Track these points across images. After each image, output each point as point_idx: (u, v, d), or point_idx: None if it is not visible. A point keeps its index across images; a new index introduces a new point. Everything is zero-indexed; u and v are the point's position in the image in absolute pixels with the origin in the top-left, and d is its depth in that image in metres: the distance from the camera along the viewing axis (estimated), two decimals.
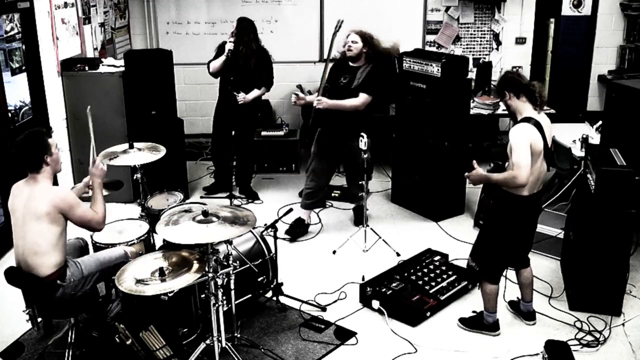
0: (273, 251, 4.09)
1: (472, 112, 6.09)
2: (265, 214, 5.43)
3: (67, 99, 5.78)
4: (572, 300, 4.17)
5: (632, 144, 4.42)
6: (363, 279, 4.32)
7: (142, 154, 4.18)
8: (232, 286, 3.53)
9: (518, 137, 3.48)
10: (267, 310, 4.17)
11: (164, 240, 3.81)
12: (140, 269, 3.25)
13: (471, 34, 7.47)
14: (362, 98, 4.96)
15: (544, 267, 4.61)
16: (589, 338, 3.84)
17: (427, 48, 7.40)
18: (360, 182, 4.97)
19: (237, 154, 6.03)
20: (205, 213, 3.32)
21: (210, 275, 3.30)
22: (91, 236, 3.95)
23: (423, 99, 5.39)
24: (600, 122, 5.47)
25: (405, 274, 4.37)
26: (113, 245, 3.81)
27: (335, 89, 5.08)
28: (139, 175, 4.24)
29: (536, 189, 3.62)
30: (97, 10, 6.56)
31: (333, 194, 6.06)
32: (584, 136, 5.22)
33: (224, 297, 3.39)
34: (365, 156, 4.73)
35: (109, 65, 5.94)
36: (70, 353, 3.54)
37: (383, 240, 5.00)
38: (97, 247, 3.86)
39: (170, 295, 3.19)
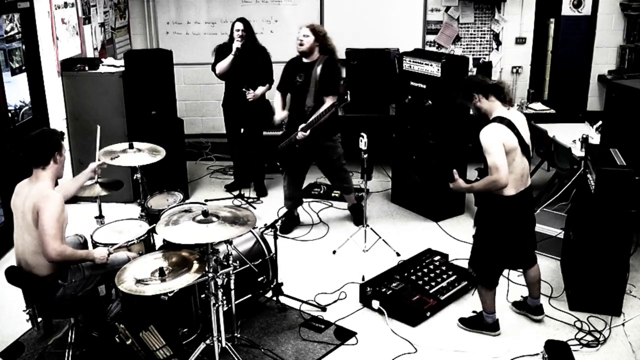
0: (273, 251, 4.09)
1: (472, 112, 6.08)
2: (265, 214, 5.43)
3: (67, 99, 5.78)
4: (572, 300, 4.17)
5: (632, 144, 4.42)
6: (363, 279, 4.32)
7: (142, 155, 4.19)
8: (232, 286, 3.53)
9: (488, 138, 3.46)
10: (267, 310, 4.17)
11: (164, 240, 3.81)
12: (140, 269, 3.25)
13: (471, 34, 7.47)
14: (330, 101, 4.87)
15: (544, 267, 4.59)
16: (589, 338, 3.84)
17: (427, 48, 7.40)
18: (344, 177, 5.15)
19: (247, 152, 6.07)
20: (205, 213, 3.32)
21: (210, 275, 3.30)
22: (91, 236, 3.95)
23: (423, 99, 5.39)
24: (600, 122, 5.47)
25: (405, 274, 4.36)
26: (113, 245, 3.81)
27: (293, 89, 5.02)
28: (139, 175, 4.24)
29: (522, 186, 3.59)
30: (97, 10, 6.56)
31: (333, 194, 6.06)
32: (584, 136, 5.22)
33: (224, 297, 3.39)
34: (365, 156, 4.73)
35: (109, 65, 5.94)
36: (70, 353, 3.54)
37: (383, 240, 5.00)
38: (96, 247, 3.85)
39: (170, 295, 3.19)
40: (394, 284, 4.26)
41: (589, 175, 4.15)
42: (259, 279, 4.01)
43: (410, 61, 5.53)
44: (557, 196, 5.11)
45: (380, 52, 6.54)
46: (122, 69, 5.79)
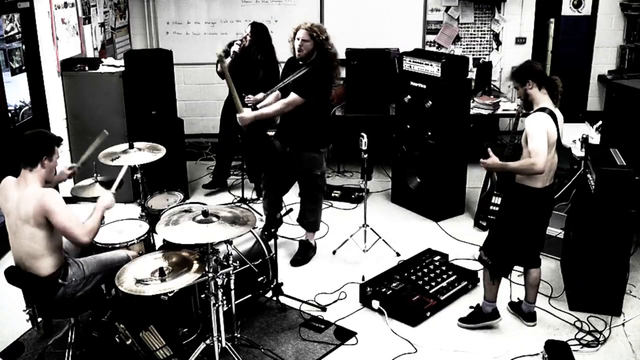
0: (273, 251, 4.09)
1: (472, 112, 6.09)
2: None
3: (67, 99, 5.78)
4: (572, 300, 4.17)
5: (632, 144, 4.42)
6: (363, 279, 4.32)
7: (142, 154, 4.19)
8: (232, 286, 3.53)
9: (535, 125, 3.51)
10: (267, 310, 4.17)
11: (164, 240, 3.81)
12: (140, 269, 3.25)
13: (471, 34, 7.47)
14: (290, 98, 4.42)
15: (544, 267, 4.57)
16: (589, 338, 3.84)
17: (427, 48, 7.40)
18: (317, 201, 4.75)
19: (248, 153, 6.04)
20: (205, 213, 3.33)
21: (210, 275, 3.30)
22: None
23: (423, 99, 5.39)
24: (600, 122, 5.47)
25: (405, 274, 4.37)
26: (113, 245, 3.81)
27: (282, 90, 4.66)
28: (139, 175, 4.24)
29: (548, 181, 3.64)
30: (97, 10, 6.56)
31: (333, 194, 6.06)
32: (584, 136, 5.22)
33: (224, 297, 3.39)
34: (365, 156, 4.73)
35: (109, 65, 5.94)
36: (70, 353, 3.54)
37: (383, 240, 5.00)
38: (97, 248, 3.85)
39: (170, 295, 3.19)
40: (394, 284, 4.26)
41: (589, 175, 4.15)
42: (259, 279, 4.01)
43: (410, 61, 5.53)
44: (557, 196, 5.10)
45: (380, 52, 6.54)
46: (122, 69, 5.79)
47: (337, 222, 5.52)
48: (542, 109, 3.57)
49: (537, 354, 3.67)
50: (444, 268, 4.49)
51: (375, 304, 4.10)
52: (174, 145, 5.20)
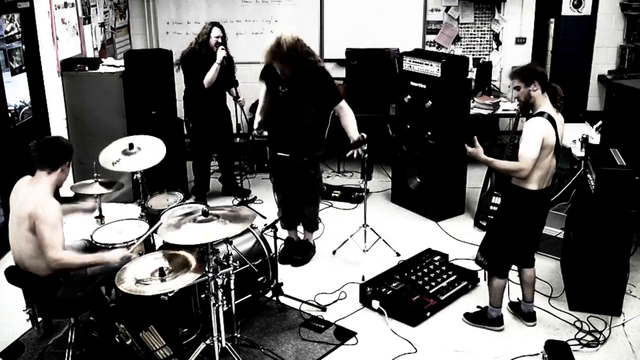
0: (273, 251, 4.09)
1: (472, 112, 6.09)
2: (265, 214, 5.43)
3: (67, 99, 5.78)
4: (572, 300, 4.17)
5: (632, 144, 4.42)
6: (363, 279, 4.32)
7: (143, 158, 4.17)
8: (232, 286, 3.53)
9: (532, 130, 3.52)
10: (267, 310, 4.17)
11: (164, 240, 3.81)
12: (140, 269, 3.25)
13: (471, 34, 7.47)
14: (344, 104, 4.55)
15: (544, 267, 4.61)
16: (589, 338, 3.84)
17: (427, 48, 7.40)
18: (315, 202, 4.75)
19: (225, 158, 6.09)
20: (205, 213, 3.33)
21: (210, 275, 3.29)
22: (91, 236, 3.94)
23: (423, 99, 5.39)
24: (600, 122, 5.47)
25: (405, 274, 4.37)
26: (113, 245, 3.81)
27: (277, 100, 4.50)
28: (139, 176, 4.23)
29: (545, 184, 3.64)
30: (97, 10, 6.56)
31: (333, 194, 6.07)
32: (584, 136, 5.22)
33: (224, 297, 3.39)
34: (365, 156, 4.73)
35: (109, 65, 5.95)
36: (70, 353, 3.54)
37: (383, 240, 4.99)
38: (97, 248, 3.85)
39: (170, 295, 3.19)
40: (394, 284, 4.26)
41: (589, 175, 4.15)
42: (259, 279, 4.01)
43: (410, 61, 5.53)
44: (557, 196, 5.11)
45: (380, 52, 6.54)
46: (122, 69, 5.79)
47: (337, 222, 5.51)
48: (542, 114, 3.56)
49: (537, 354, 3.67)
50: (444, 268, 4.49)
51: (375, 304, 4.10)
52: (174, 145, 5.20)
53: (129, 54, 6.01)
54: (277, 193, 4.84)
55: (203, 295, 3.50)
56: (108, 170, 4.12)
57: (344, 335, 3.91)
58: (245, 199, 5.97)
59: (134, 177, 4.26)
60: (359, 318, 4.10)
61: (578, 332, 3.90)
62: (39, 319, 3.61)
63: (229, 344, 3.50)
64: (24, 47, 5.33)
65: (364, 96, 6.48)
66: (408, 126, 5.63)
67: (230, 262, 3.46)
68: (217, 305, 3.35)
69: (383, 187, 6.35)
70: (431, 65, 5.32)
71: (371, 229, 5.03)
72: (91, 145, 5.25)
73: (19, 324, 3.87)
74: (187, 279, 3.18)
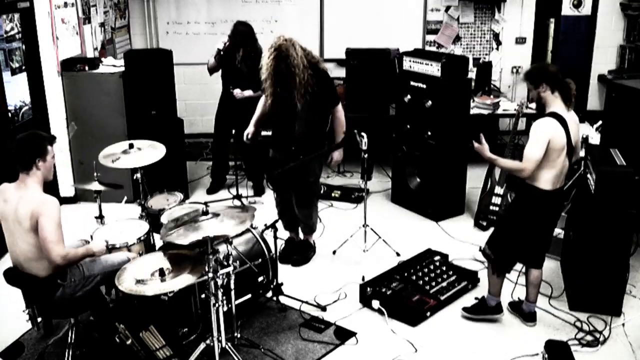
0: (273, 251, 4.09)
1: (472, 112, 6.09)
2: (265, 214, 5.42)
3: (67, 99, 5.78)
4: (572, 300, 4.17)
5: (632, 144, 4.42)
6: (363, 279, 4.32)
7: (142, 156, 4.18)
8: (232, 286, 3.53)
9: (538, 131, 3.53)
10: (267, 310, 4.17)
11: (164, 240, 3.81)
12: (140, 269, 3.25)
13: (471, 34, 7.47)
14: (340, 107, 4.53)
15: (544, 267, 4.59)
16: (589, 338, 3.84)
17: (427, 48, 7.40)
18: (311, 205, 4.71)
19: (243, 152, 6.08)
20: (205, 212, 3.33)
21: (210, 275, 3.29)
22: (91, 236, 3.95)
23: (423, 99, 5.39)
24: (600, 122, 5.47)
25: (405, 274, 4.36)
26: (113, 245, 3.81)
27: (279, 103, 4.44)
28: (139, 176, 4.24)
29: (559, 184, 3.65)
30: (97, 10, 6.56)
31: (333, 194, 6.06)
32: (584, 136, 5.21)
33: (224, 297, 3.39)
34: (365, 156, 4.73)
35: (109, 65, 5.95)
36: (70, 353, 3.54)
37: (383, 240, 4.99)
38: None
39: (170, 295, 3.19)
40: (394, 284, 4.26)
41: (589, 175, 4.15)
42: (259, 279, 4.01)
43: (410, 61, 5.53)
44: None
45: (380, 52, 6.54)
46: (122, 69, 5.79)
47: (337, 222, 5.51)
48: (552, 114, 3.57)
49: (537, 354, 3.67)
50: (444, 268, 4.49)
51: (375, 304, 4.10)
52: (174, 145, 5.20)
53: (129, 54, 6.00)
54: (276, 193, 4.85)
55: (203, 295, 3.50)
56: (108, 170, 4.13)
57: (344, 335, 3.91)
58: (241, 195, 5.98)
59: (134, 177, 4.26)
60: (359, 318, 4.10)
61: (578, 332, 3.90)
62: (39, 319, 3.61)
63: (229, 344, 3.50)
64: (24, 47, 5.33)
65: (364, 96, 6.48)
66: (408, 126, 5.63)
67: (230, 262, 3.46)
68: (217, 305, 3.35)
69: (383, 187, 6.35)
70: (431, 65, 5.32)
71: (371, 229, 5.03)
72: (91, 145, 5.26)
73: (19, 324, 3.86)
74: (187, 279, 3.18)
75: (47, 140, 3.37)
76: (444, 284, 4.30)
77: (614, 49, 7.48)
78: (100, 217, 4.12)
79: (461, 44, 7.49)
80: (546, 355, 3.50)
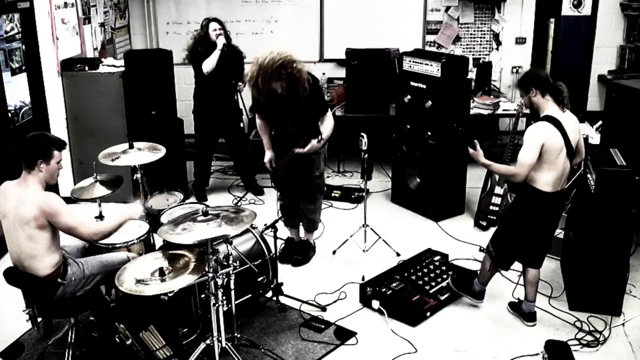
0: (273, 251, 4.09)
1: (472, 112, 6.09)
2: (265, 214, 5.43)
3: (67, 99, 5.78)
4: (572, 300, 4.17)
5: (632, 144, 4.42)
6: (363, 279, 4.32)
7: (142, 154, 4.19)
8: (232, 286, 3.53)
9: (531, 136, 3.56)
10: (267, 310, 4.17)
11: (164, 240, 3.81)
12: (140, 269, 3.25)
13: (471, 34, 7.47)
14: (330, 113, 4.51)
15: (544, 267, 4.57)
16: (589, 338, 3.84)
17: (427, 48, 7.40)
18: (315, 202, 4.70)
19: (237, 153, 6.14)
20: (205, 212, 3.33)
21: (210, 275, 3.29)
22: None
23: (423, 99, 5.39)
24: (600, 122, 5.47)
25: (405, 274, 4.37)
26: (113, 245, 3.81)
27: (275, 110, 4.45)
28: (139, 175, 4.24)
29: (560, 186, 3.67)
30: (97, 10, 6.56)
31: (333, 194, 6.06)
32: (584, 136, 5.21)
33: (224, 297, 3.39)
34: (365, 156, 4.73)
35: (109, 65, 5.94)
36: (70, 353, 3.54)
37: (383, 240, 5.00)
38: (97, 248, 3.85)
39: (170, 295, 3.19)
40: (394, 284, 4.26)
41: (589, 175, 4.15)
42: (259, 279, 4.01)
43: (410, 61, 5.53)
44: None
45: (380, 52, 6.54)
46: (122, 69, 5.79)
47: (337, 222, 5.51)
48: (546, 118, 3.58)
49: (537, 354, 3.67)
50: (444, 268, 4.49)
51: (375, 304, 4.10)
52: (174, 145, 5.20)
53: (129, 54, 6.00)
54: (277, 188, 4.82)
55: (203, 295, 3.50)
56: (108, 170, 4.12)
57: (344, 335, 3.91)
58: (241, 198, 5.99)
59: (134, 178, 4.26)
60: (359, 318, 4.10)
61: (578, 332, 3.90)
62: (39, 319, 3.60)
63: (229, 344, 3.50)
64: (24, 47, 5.33)
65: (364, 96, 6.48)
66: (408, 126, 5.63)
67: (230, 262, 3.46)
68: (217, 305, 3.35)
69: (383, 187, 6.35)
70: (431, 65, 5.32)
71: (371, 229, 5.03)
72: (91, 145, 5.26)
73: (19, 324, 3.87)
74: (187, 279, 3.18)
75: (55, 144, 3.36)
76: (444, 284, 4.30)
77: (614, 49, 7.48)
78: (100, 217, 4.12)
79: (461, 44, 7.49)
80: (546, 355, 3.51)
